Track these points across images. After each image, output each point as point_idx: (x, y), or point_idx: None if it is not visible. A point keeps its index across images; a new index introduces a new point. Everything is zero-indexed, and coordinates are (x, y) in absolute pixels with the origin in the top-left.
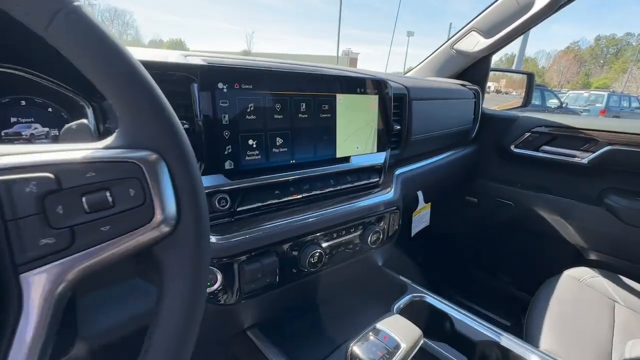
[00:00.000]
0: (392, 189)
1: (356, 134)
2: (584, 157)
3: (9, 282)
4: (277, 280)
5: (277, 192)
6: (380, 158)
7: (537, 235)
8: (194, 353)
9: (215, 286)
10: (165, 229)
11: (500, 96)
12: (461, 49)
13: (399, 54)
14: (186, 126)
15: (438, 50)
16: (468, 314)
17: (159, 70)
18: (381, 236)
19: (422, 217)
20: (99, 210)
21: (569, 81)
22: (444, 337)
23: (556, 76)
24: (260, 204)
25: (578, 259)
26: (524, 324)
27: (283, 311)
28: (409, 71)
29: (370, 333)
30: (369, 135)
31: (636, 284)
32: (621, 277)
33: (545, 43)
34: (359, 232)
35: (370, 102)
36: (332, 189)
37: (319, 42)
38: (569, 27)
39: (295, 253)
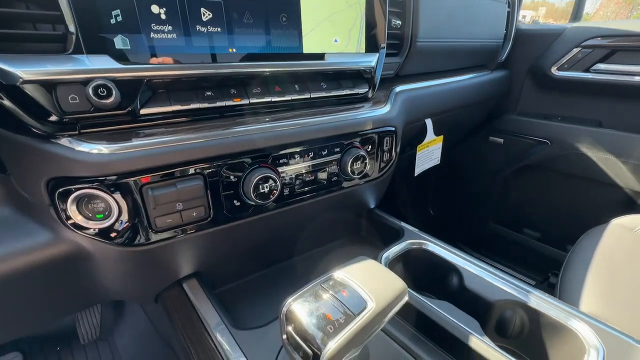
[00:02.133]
0: (387, 107)
1: (333, 20)
2: None
3: None
4: (211, 214)
5: (209, 93)
6: (370, 60)
7: (580, 180)
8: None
9: (111, 220)
10: None
11: None
12: None
13: None
14: None
15: None
16: (483, 266)
17: None
18: (368, 165)
19: (430, 153)
20: None
21: None
22: (449, 296)
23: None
24: (181, 107)
25: (631, 206)
26: (557, 282)
27: (232, 258)
28: None
29: (322, 285)
30: (352, 25)
31: None
32: None
33: None
34: (335, 157)
35: None
36: (297, 97)
37: None
38: None
39: (234, 178)
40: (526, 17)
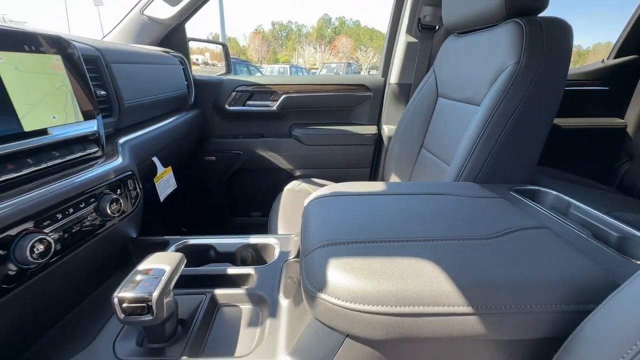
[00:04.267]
0: (120, 157)
1: (46, 101)
2: (273, 106)
3: None
4: None
5: None
6: (91, 126)
7: (263, 170)
8: None
9: None
10: None
11: (209, 67)
12: (152, 15)
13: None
14: None
15: (128, 17)
16: (226, 236)
17: None
18: (123, 205)
19: (166, 182)
20: None
21: (264, 58)
22: (212, 262)
23: (255, 54)
24: None
25: (291, 178)
26: (268, 225)
27: (19, 324)
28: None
29: (133, 275)
30: (65, 102)
31: (320, 180)
32: (313, 179)
33: (242, 26)
34: (92, 206)
35: (50, 63)
36: (32, 170)
37: None
38: (253, 13)
39: (2, 252)
40: (198, 59)
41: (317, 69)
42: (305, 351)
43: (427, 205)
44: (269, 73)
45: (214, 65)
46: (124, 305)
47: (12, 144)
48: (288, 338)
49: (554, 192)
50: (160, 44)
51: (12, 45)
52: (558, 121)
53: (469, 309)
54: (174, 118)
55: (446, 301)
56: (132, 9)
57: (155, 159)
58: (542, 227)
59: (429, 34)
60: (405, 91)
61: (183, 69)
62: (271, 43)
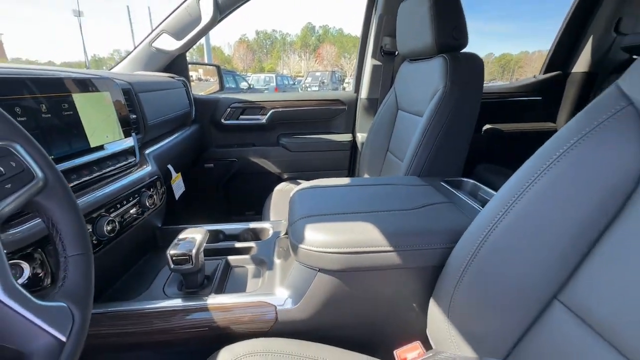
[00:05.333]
0: (150, 164)
1: (102, 126)
2: (263, 119)
3: None
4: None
5: None
6: (129, 142)
7: (255, 175)
8: None
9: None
10: (41, 183)
11: (203, 83)
12: (160, 47)
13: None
14: None
15: (139, 48)
16: (231, 223)
17: None
18: (156, 200)
19: (178, 185)
20: None
21: (249, 66)
22: (222, 241)
23: (240, 63)
24: None
25: (280, 180)
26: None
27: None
28: (114, 67)
29: (176, 241)
30: (113, 125)
31: (305, 181)
32: (299, 180)
33: (226, 35)
34: (136, 200)
35: (104, 98)
36: (98, 174)
37: None
38: (236, 23)
39: (90, 229)
40: (193, 76)
41: (302, 76)
42: (292, 284)
43: (377, 192)
44: (255, 82)
45: (206, 80)
46: (174, 258)
47: (87, 157)
48: (281, 279)
49: (472, 181)
50: (164, 70)
51: (82, 88)
52: (501, 126)
53: (391, 248)
54: (180, 132)
55: (377, 244)
56: (142, 41)
57: (169, 166)
58: (448, 202)
59: (390, 58)
60: (373, 105)
61: (185, 90)
62: (256, 52)
